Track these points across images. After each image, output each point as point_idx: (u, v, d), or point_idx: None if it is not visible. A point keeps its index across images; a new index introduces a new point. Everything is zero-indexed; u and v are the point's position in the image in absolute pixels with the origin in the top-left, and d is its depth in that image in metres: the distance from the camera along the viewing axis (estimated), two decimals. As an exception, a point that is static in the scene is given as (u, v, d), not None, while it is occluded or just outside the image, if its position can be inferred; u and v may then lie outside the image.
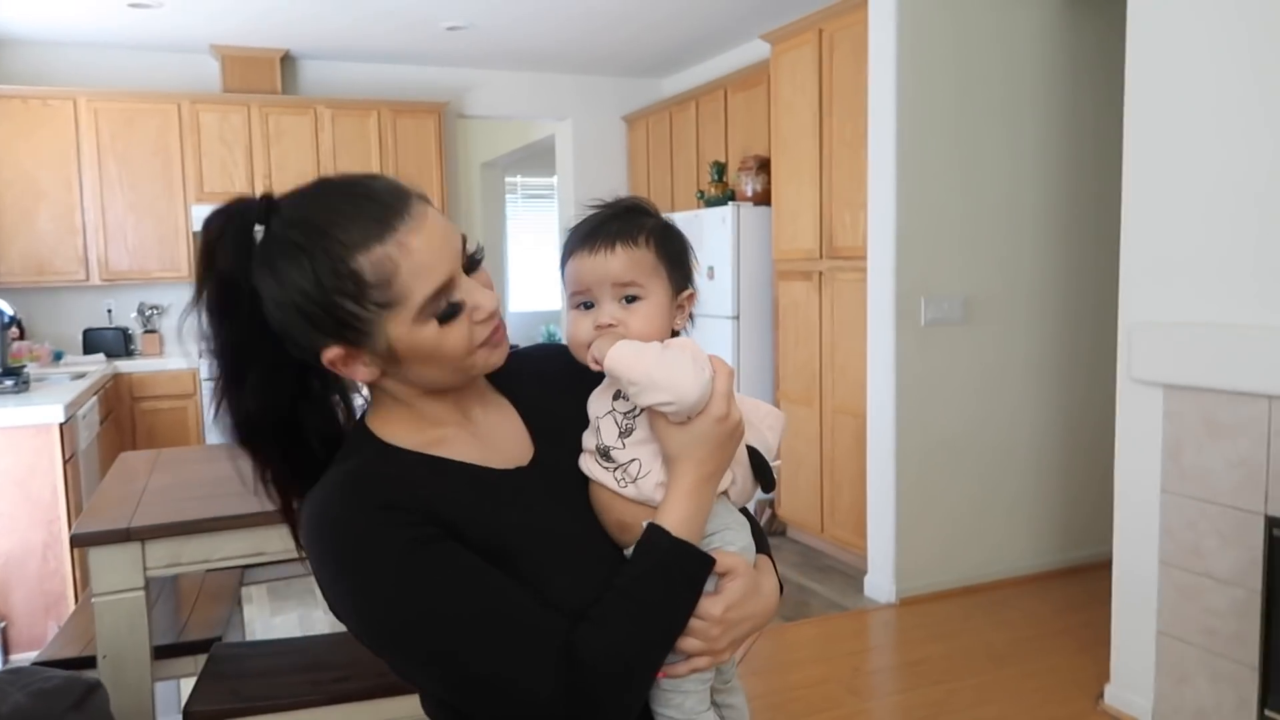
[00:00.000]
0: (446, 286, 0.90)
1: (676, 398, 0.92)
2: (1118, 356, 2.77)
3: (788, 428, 1.11)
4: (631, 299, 1.01)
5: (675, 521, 0.93)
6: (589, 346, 1.00)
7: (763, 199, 4.79)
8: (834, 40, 4.08)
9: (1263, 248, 2.38)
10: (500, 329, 0.98)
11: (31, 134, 5.09)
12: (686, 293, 1.07)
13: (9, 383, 3.79)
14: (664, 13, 5.01)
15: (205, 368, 1.01)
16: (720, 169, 5.14)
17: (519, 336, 8.13)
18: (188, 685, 2.62)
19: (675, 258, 1.05)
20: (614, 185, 6.64)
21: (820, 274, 4.27)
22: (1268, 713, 2.43)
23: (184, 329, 0.94)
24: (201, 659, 2.21)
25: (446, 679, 0.90)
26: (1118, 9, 2.83)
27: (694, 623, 0.95)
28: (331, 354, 0.92)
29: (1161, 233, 2.64)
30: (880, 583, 3.87)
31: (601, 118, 6.64)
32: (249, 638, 3.21)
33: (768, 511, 4.79)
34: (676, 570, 0.93)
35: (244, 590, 3.02)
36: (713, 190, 5.11)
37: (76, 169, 5.19)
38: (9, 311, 3.96)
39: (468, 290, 0.93)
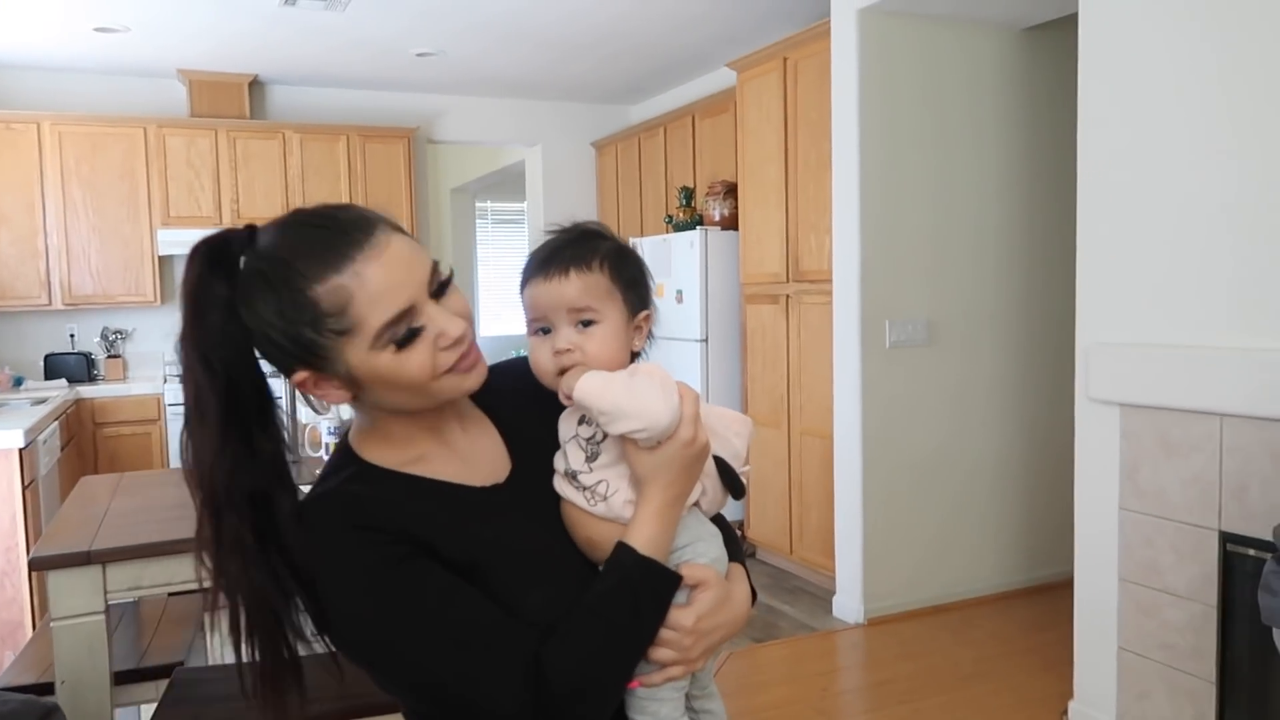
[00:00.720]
0: (406, 314, 0.92)
1: (647, 425, 0.95)
2: (1075, 377, 2.83)
3: (755, 433, 1.13)
4: (587, 323, 1.03)
5: (643, 540, 0.96)
6: (556, 374, 1.03)
7: (730, 223, 4.84)
8: (798, 68, 4.16)
9: (1211, 271, 2.45)
10: (472, 354, 0.99)
11: (-6, 158, 5.04)
12: (643, 314, 1.09)
13: (-33, 408, 3.74)
14: (632, 41, 5.07)
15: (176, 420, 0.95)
16: (688, 194, 5.20)
17: (489, 360, 8.10)
18: (149, 711, 2.59)
19: (630, 280, 1.07)
20: (583, 210, 6.69)
21: (787, 297, 4.32)
22: (1226, 726, 2.47)
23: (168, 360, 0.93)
24: (163, 684, 2.18)
25: (419, 692, 0.94)
26: (1072, 39, 2.91)
27: (667, 633, 0.97)
28: (300, 377, 0.94)
29: (1115, 256, 2.70)
30: (848, 603, 3.89)
31: (571, 144, 6.69)
32: (211, 662, 3.16)
33: (737, 533, 4.80)
34: (643, 588, 0.95)
35: (208, 616, 2.98)
36: (681, 215, 5.16)
37: (40, 193, 5.14)
38: (-31, 336, 3.91)
39: (431, 316, 0.94)
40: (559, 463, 1.04)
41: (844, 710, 3.20)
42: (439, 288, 0.96)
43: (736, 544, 1.13)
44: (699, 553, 1.02)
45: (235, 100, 5.59)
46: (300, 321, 0.90)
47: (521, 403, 1.10)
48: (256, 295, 0.91)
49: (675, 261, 4.93)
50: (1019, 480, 4.13)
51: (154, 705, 2.17)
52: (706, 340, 4.79)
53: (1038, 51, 4.01)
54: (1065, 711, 2.96)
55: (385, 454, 1.00)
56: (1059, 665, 3.19)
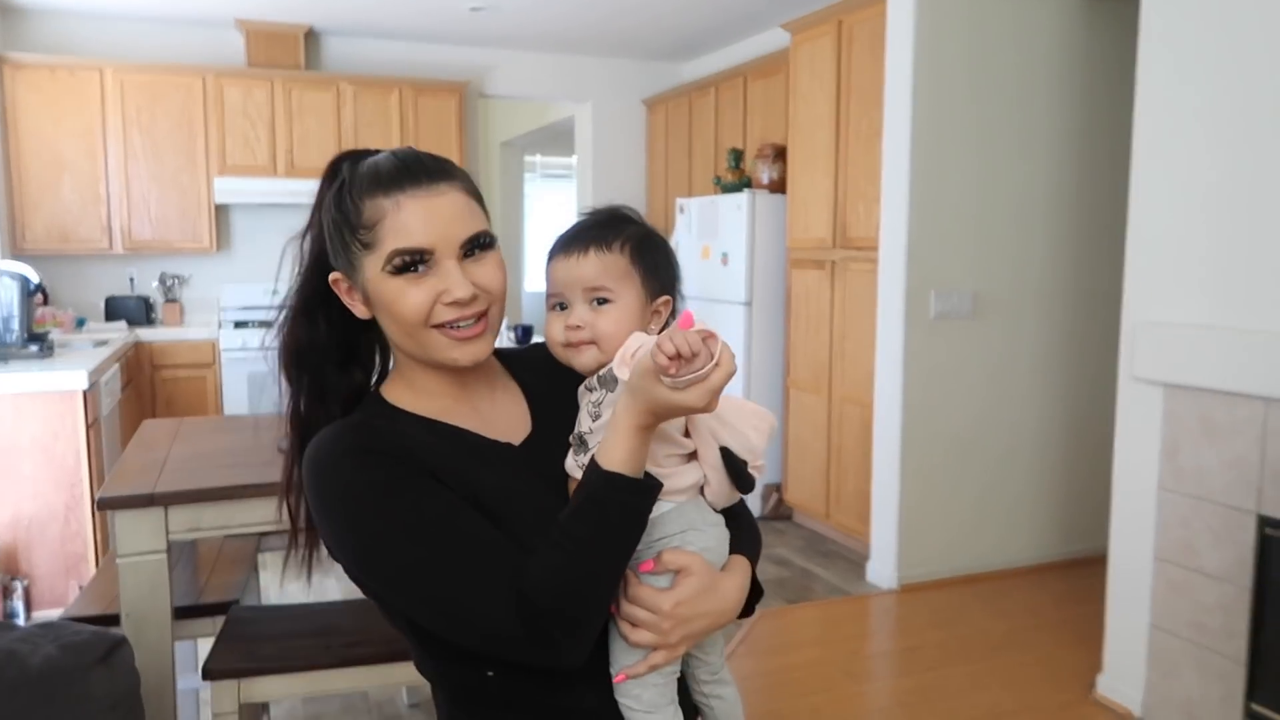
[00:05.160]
0: (419, 251, 0.99)
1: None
2: (1120, 355, 2.82)
3: (776, 428, 1.11)
4: (602, 301, 1.07)
5: (608, 458, 0.95)
6: (564, 347, 1.09)
7: (778, 187, 4.82)
8: (853, 32, 4.11)
9: (1263, 253, 2.41)
10: (473, 326, 1.02)
11: (57, 104, 5.16)
12: (662, 299, 1.12)
13: (33, 348, 3.89)
14: (685, -2, 5.03)
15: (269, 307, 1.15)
16: (738, 156, 5.18)
17: (533, 315, 8.20)
18: (204, 645, 2.71)
19: (652, 265, 1.10)
20: (632, 168, 6.69)
21: (833, 263, 4.31)
22: (1253, 705, 2.49)
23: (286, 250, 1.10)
24: (218, 621, 2.29)
25: (417, 606, 0.98)
26: (1134, 9, 2.85)
27: (644, 615, 0.99)
28: (334, 277, 1.06)
29: (1166, 234, 2.67)
30: (882, 569, 3.93)
31: (621, 101, 6.67)
32: (264, 602, 3.30)
33: (775, 496, 4.86)
34: (609, 499, 0.94)
35: (260, 557, 3.11)
36: (729, 176, 5.14)
37: (101, 140, 5.26)
38: (34, 279, 4.05)
39: (446, 270, 1.00)
40: (573, 433, 1.06)
41: (872, 674, 3.26)
42: (470, 250, 1.01)
43: (752, 538, 1.13)
44: (688, 541, 1.02)
45: (291, 51, 5.65)
46: (343, 224, 1.02)
47: (555, 380, 1.13)
48: (332, 197, 1.04)
49: (722, 223, 4.93)
50: (1057, 455, 4.12)
51: (209, 640, 2.28)
52: (750, 304, 4.80)
53: (1097, 21, 3.92)
54: (1093, 685, 2.99)
55: (408, 400, 1.07)
56: (1089, 640, 3.21)
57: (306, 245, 1.09)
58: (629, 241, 1.09)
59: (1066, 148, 3.95)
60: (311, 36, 5.83)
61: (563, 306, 1.10)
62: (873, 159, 3.96)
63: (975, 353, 3.90)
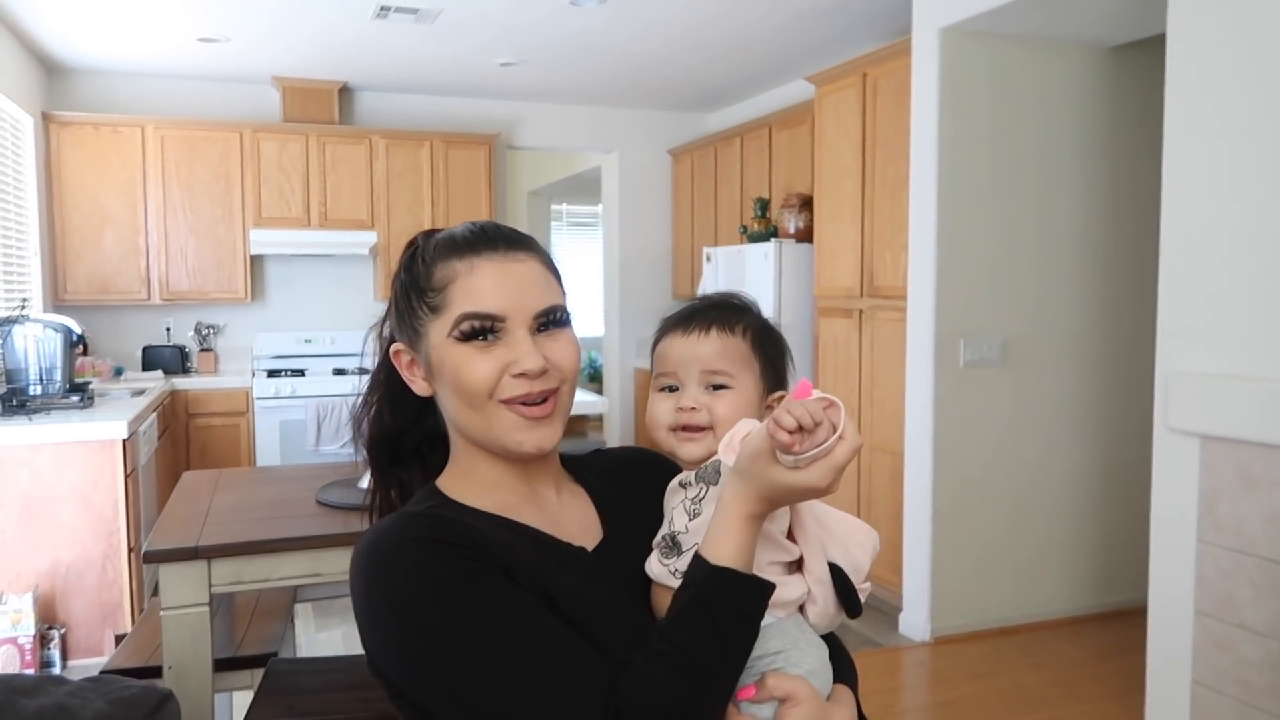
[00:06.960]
0: (490, 317, 0.92)
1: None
2: (1155, 406, 2.80)
3: (880, 547, 1.00)
4: (719, 387, 0.98)
5: (715, 552, 0.85)
6: (670, 430, 0.98)
7: (805, 236, 4.87)
8: (877, 84, 4.16)
9: (1300, 303, 2.41)
10: (541, 406, 0.94)
11: (101, 160, 5.31)
12: (777, 394, 1.02)
13: (75, 398, 3.97)
14: (710, 52, 5.12)
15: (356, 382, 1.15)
16: (764, 205, 5.23)
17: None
18: (239, 697, 2.74)
19: (771, 356, 1.03)
20: (658, 217, 6.77)
21: (860, 312, 4.33)
22: (1301, 767, 2.43)
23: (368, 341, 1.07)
24: (256, 673, 2.31)
25: (484, 718, 0.83)
26: (1159, 60, 2.88)
27: None
28: (397, 348, 1.01)
29: (1198, 284, 2.67)
30: (915, 621, 3.89)
31: (648, 150, 6.77)
32: (298, 653, 3.32)
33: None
34: (719, 601, 0.84)
35: (295, 607, 3.13)
36: (756, 226, 5.19)
37: (142, 193, 5.40)
38: (77, 330, 4.14)
39: (517, 340, 0.93)
40: (660, 534, 0.96)
41: (907, 728, 3.22)
42: (544, 324, 0.95)
43: (849, 666, 1.01)
44: (792, 662, 0.89)
45: (325, 106, 5.79)
46: (412, 289, 0.96)
47: (623, 482, 1.07)
48: (403, 268, 1.00)
49: (749, 272, 4.97)
50: (1090, 504, 4.08)
51: (246, 692, 2.30)
52: (778, 352, 4.82)
53: (1123, 71, 3.96)
54: (1134, 742, 2.94)
55: (468, 493, 0.98)
56: (1128, 694, 3.15)
57: (386, 331, 1.03)
58: (751, 328, 1.02)
59: (1092, 196, 3.96)
60: (345, 92, 5.97)
61: (672, 389, 1.00)
62: (899, 208, 4.00)
63: (1006, 401, 3.89)
